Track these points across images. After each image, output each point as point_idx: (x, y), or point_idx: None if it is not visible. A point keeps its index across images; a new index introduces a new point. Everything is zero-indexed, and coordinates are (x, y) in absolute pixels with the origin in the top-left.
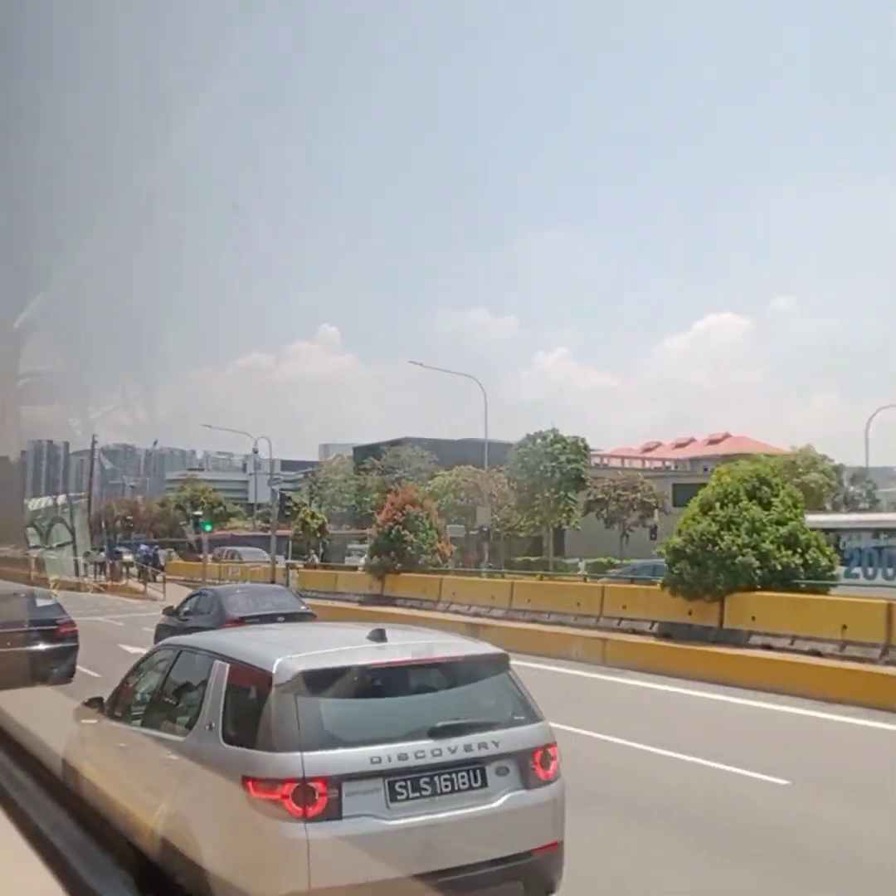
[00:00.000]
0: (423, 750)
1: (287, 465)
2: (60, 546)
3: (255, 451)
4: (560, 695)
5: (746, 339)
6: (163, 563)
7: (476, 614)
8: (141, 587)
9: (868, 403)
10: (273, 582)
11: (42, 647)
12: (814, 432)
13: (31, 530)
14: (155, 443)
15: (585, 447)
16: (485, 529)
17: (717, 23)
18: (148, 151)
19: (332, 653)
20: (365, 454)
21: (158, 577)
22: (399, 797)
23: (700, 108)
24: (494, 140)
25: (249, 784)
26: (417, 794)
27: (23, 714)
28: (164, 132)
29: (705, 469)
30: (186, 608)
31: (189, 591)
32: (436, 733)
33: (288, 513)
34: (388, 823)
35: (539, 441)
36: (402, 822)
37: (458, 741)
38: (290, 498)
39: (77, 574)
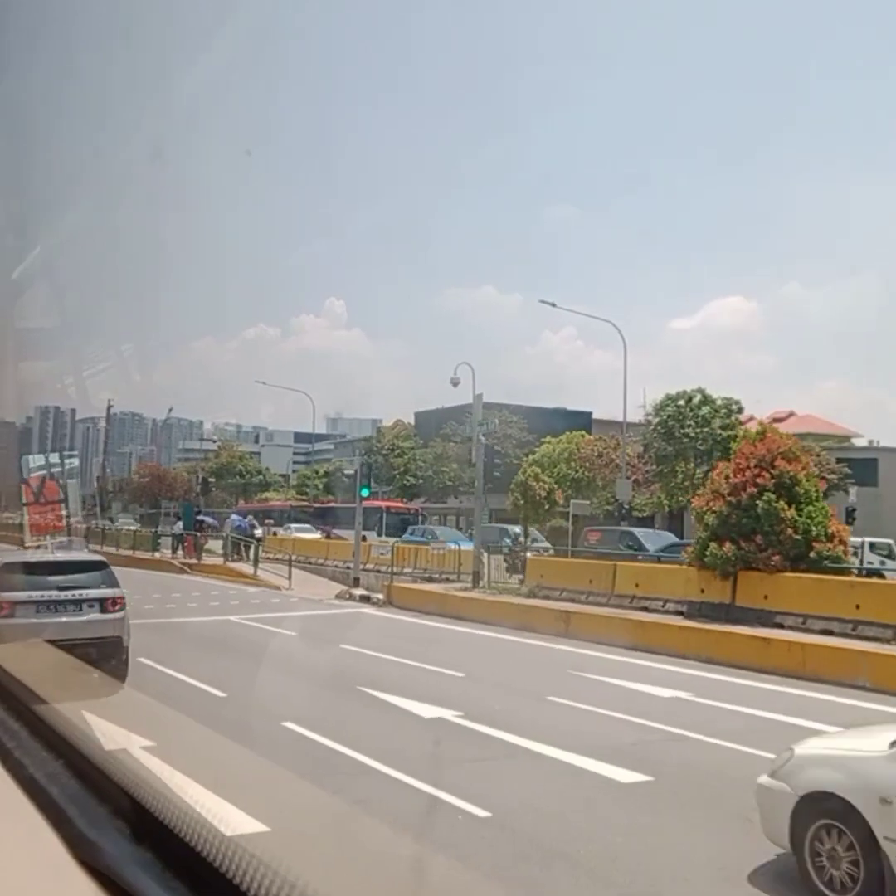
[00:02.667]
0: (53, 594)
1: (299, 437)
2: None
3: (455, 383)
4: None
5: (753, 322)
6: (260, 536)
7: None
8: (244, 567)
9: (874, 389)
10: (476, 575)
11: None
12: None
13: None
14: (169, 410)
15: (740, 410)
16: (626, 507)
17: None
18: (154, 101)
19: (28, 555)
20: (431, 420)
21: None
22: (40, 611)
23: (714, 90)
24: (506, 112)
25: None
26: (50, 611)
27: (15, 665)
28: (171, 82)
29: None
30: None
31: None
32: (60, 588)
33: (498, 473)
34: (34, 621)
35: (681, 403)
36: (41, 620)
37: (71, 591)
38: (497, 451)
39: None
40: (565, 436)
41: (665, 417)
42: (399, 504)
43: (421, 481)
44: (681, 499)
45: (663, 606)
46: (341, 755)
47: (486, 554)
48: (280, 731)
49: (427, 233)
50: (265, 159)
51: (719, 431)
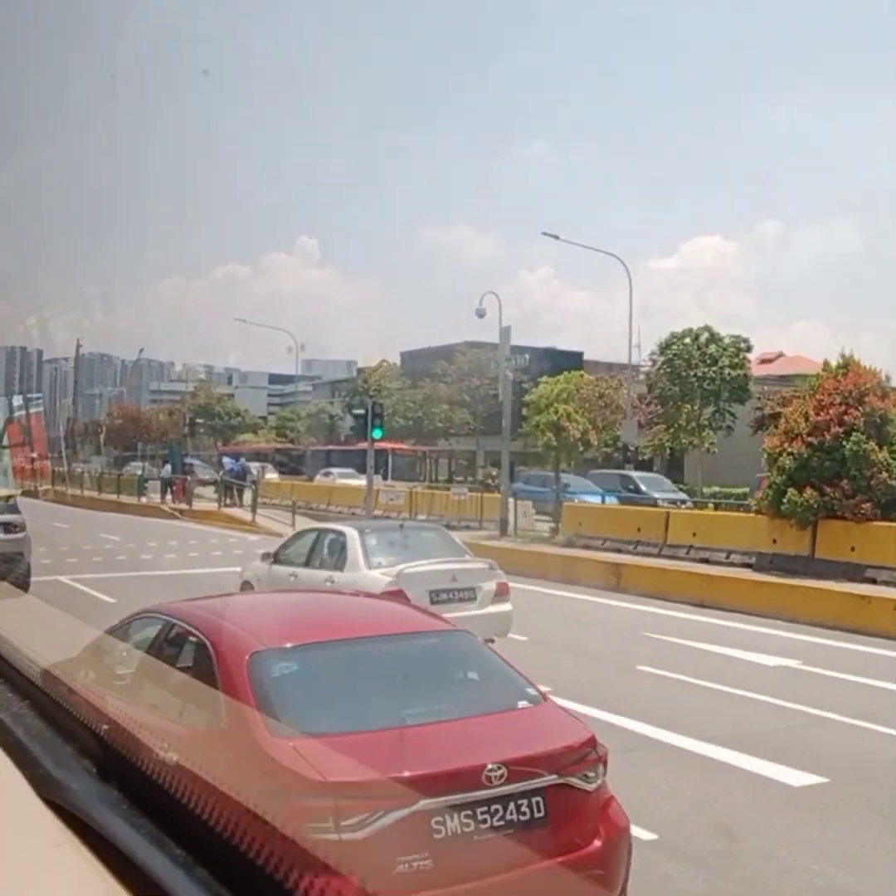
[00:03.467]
0: None
1: (274, 378)
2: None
3: (481, 315)
4: None
5: (732, 262)
6: (255, 480)
7: None
8: (240, 513)
9: (845, 331)
10: (504, 523)
11: None
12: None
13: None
14: (140, 351)
15: (748, 349)
16: (631, 449)
17: None
18: (114, 29)
19: None
20: (418, 360)
21: (245, 499)
22: None
23: (695, 24)
24: (481, 42)
25: None
26: None
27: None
28: (131, 8)
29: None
30: None
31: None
32: None
33: (526, 414)
34: None
35: (687, 340)
36: None
37: None
38: (527, 390)
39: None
40: (563, 376)
41: (671, 356)
42: (405, 446)
43: (410, 423)
44: (684, 441)
45: (727, 558)
46: None
47: (512, 500)
48: None
49: (402, 170)
50: (234, 90)
51: (728, 371)
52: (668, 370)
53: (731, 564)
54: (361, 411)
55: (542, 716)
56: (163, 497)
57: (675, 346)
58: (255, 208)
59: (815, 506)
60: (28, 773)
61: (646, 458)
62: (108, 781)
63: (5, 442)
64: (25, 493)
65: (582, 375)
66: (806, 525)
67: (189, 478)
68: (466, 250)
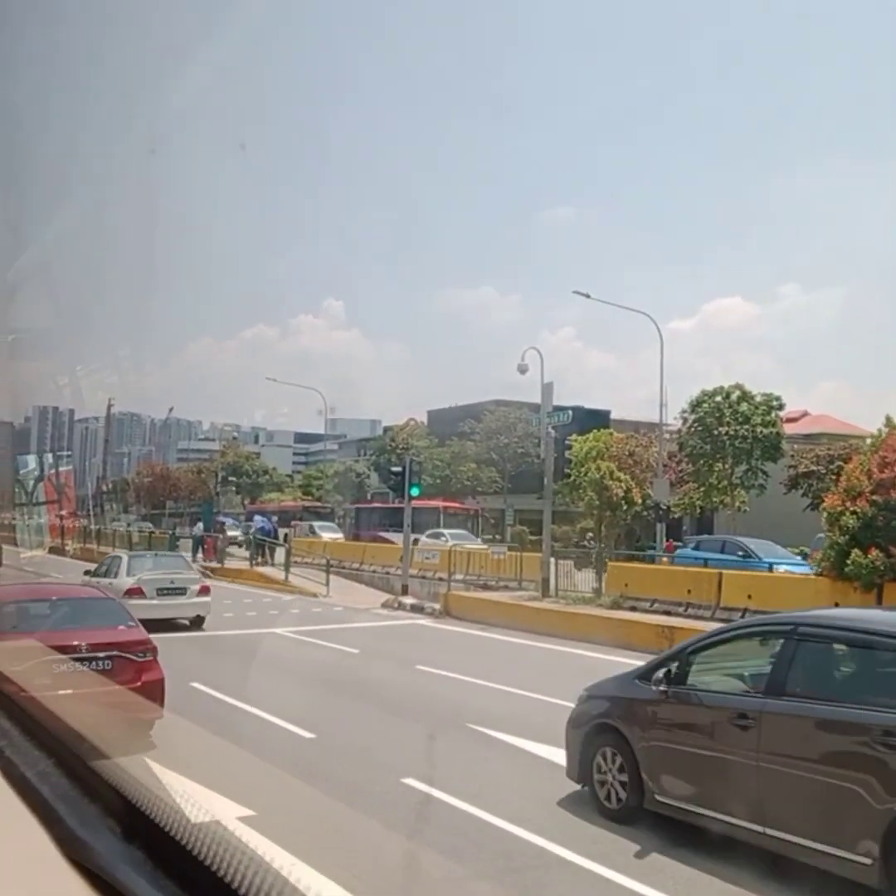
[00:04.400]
0: None
1: (300, 437)
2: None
3: (523, 370)
4: None
5: (753, 323)
6: (287, 541)
7: None
8: (272, 572)
9: (873, 391)
10: (545, 583)
11: None
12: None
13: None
14: (170, 410)
15: (781, 407)
16: (663, 508)
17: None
18: (150, 99)
19: None
20: (445, 418)
21: (277, 558)
22: None
23: (714, 91)
24: (506, 110)
25: None
26: None
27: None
28: (167, 79)
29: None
30: None
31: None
32: None
33: (568, 471)
34: None
35: (719, 399)
36: None
37: None
38: (570, 447)
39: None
40: (592, 434)
41: (702, 414)
42: (456, 504)
43: (438, 481)
44: (715, 500)
45: None
46: (513, 838)
47: (553, 560)
48: (401, 791)
49: (426, 234)
50: (263, 159)
51: (760, 429)
52: (700, 428)
53: None
54: (399, 468)
55: (127, 630)
56: (194, 555)
57: (705, 404)
58: (282, 272)
59: (882, 568)
60: (53, 832)
61: (676, 516)
62: (132, 842)
63: (40, 498)
64: (52, 550)
65: (611, 434)
66: (871, 588)
67: (220, 536)
68: (490, 312)
